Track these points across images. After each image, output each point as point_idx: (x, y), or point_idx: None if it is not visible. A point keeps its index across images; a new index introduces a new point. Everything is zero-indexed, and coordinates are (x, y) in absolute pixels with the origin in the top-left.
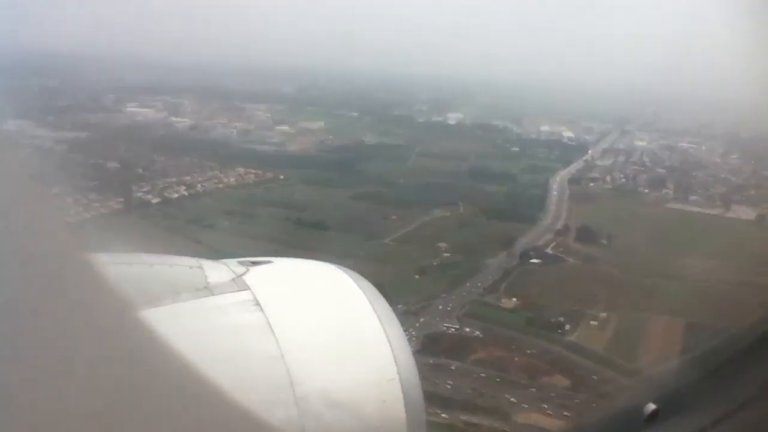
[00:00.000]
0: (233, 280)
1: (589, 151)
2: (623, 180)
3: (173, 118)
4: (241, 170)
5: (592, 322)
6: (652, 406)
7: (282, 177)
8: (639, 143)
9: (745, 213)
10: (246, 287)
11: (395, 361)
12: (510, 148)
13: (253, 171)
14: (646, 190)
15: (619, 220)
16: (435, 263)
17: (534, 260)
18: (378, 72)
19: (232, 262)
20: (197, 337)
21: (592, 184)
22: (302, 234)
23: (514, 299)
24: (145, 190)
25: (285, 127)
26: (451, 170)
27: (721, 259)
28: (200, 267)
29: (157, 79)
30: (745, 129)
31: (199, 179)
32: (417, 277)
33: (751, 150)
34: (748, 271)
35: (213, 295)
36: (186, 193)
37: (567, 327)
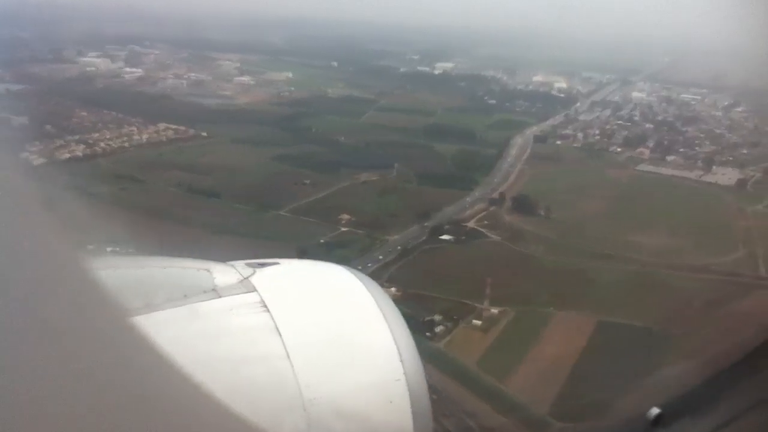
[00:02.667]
0: (240, 282)
1: (577, 104)
2: (597, 137)
3: (127, 69)
4: (162, 126)
5: (475, 322)
6: (656, 411)
7: (204, 134)
8: (637, 95)
9: (726, 176)
10: (253, 289)
11: (402, 362)
12: (487, 101)
13: (174, 127)
14: (619, 149)
15: (573, 185)
16: (323, 240)
17: (445, 237)
18: (379, 22)
19: (240, 264)
20: (205, 339)
21: (559, 143)
22: (185, 203)
23: (393, 289)
24: (34, 149)
25: (246, 78)
26: (408, 126)
27: (679, 237)
28: (208, 269)
29: (138, 29)
30: (760, 79)
31: (107, 137)
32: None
33: (760, 102)
34: (708, 253)
35: (220, 297)
36: (81, 154)
37: (439, 329)
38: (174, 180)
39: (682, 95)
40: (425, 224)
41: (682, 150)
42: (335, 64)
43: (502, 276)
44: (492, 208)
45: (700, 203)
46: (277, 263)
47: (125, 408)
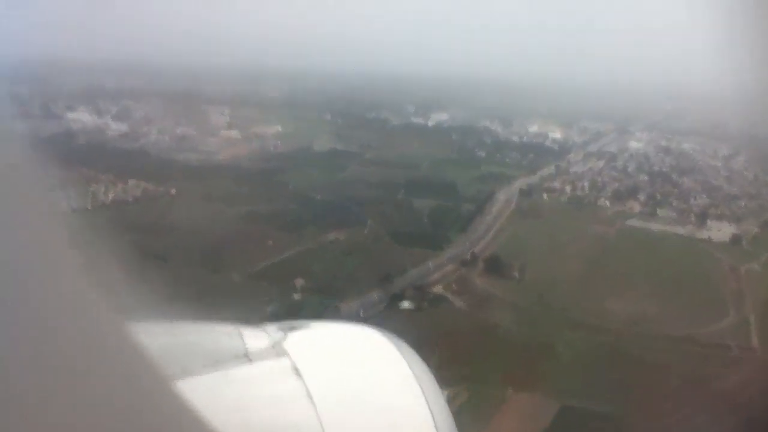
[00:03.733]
0: (272, 346)
1: (570, 155)
2: (586, 190)
3: (113, 125)
4: (132, 183)
5: None
6: None
7: (173, 192)
8: (634, 144)
9: (721, 232)
10: (285, 353)
11: (436, 430)
12: (477, 153)
13: (144, 185)
14: (608, 203)
15: (554, 243)
16: (270, 309)
17: (405, 304)
18: (381, 73)
19: (271, 328)
20: (237, 407)
21: (545, 196)
22: (129, 267)
23: None
24: None
25: (233, 132)
26: (390, 181)
27: (663, 301)
28: (239, 333)
29: (138, 82)
30: (762, 127)
31: (71, 195)
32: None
33: (761, 151)
34: (694, 320)
35: (251, 362)
36: None
37: None
38: (124, 241)
39: (682, 144)
40: (386, 289)
41: (675, 203)
42: (328, 116)
43: (460, 350)
44: (462, 270)
45: (689, 262)
46: (308, 325)
47: None
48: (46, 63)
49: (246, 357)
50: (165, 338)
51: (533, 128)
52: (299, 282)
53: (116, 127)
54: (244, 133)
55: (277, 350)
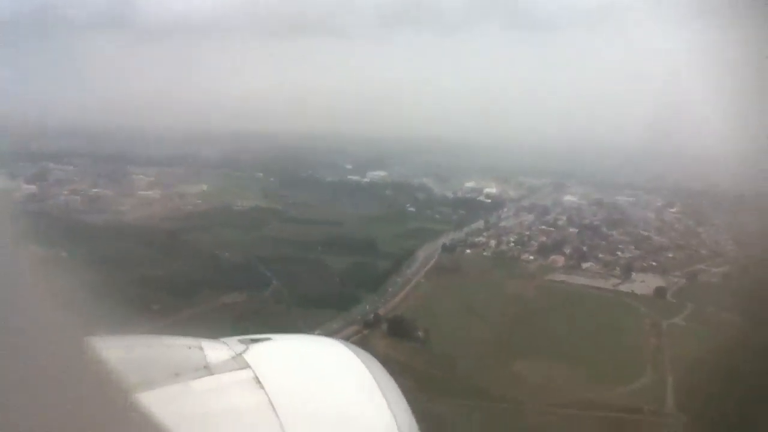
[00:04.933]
0: (233, 358)
1: (503, 209)
2: (512, 244)
3: (24, 186)
4: None
5: None
6: None
7: (64, 255)
8: (569, 198)
9: (645, 284)
10: (246, 365)
11: None
12: (407, 209)
13: (33, 247)
14: (531, 257)
15: (468, 302)
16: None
17: None
18: (325, 132)
19: (232, 341)
20: (197, 418)
21: (468, 251)
22: None
23: None
24: None
25: (151, 192)
26: (308, 239)
27: (575, 363)
28: (199, 347)
29: (68, 144)
30: (699, 180)
31: None
32: None
33: (696, 204)
34: (606, 382)
35: (212, 374)
36: None
37: None
38: None
39: (616, 197)
40: None
41: (601, 256)
42: (260, 174)
43: None
44: (365, 332)
45: (608, 318)
46: (270, 338)
47: None
48: None
49: (206, 369)
50: (126, 351)
51: (469, 184)
52: None
53: (26, 188)
54: (165, 193)
55: (239, 362)
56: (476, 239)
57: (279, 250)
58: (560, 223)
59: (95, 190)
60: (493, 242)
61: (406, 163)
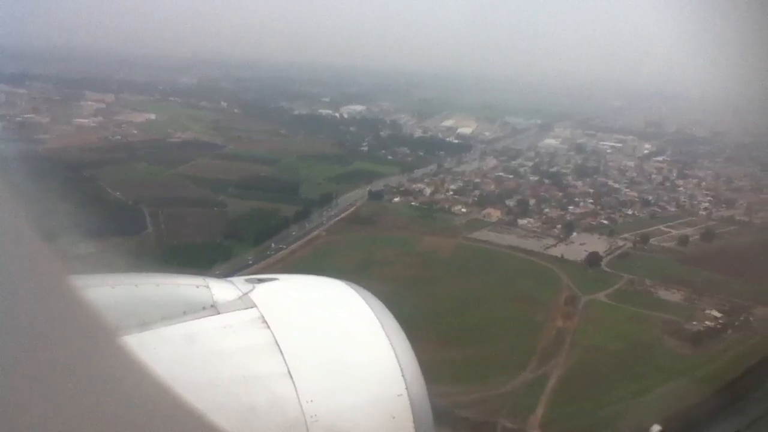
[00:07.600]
0: (240, 298)
1: (469, 152)
2: (450, 194)
3: None
4: None
5: None
6: (657, 428)
7: None
8: (549, 142)
9: (583, 247)
10: (252, 305)
11: (403, 377)
12: (359, 148)
13: None
14: (464, 210)
15: (369, 260)
16: None
17: None
18: (304, 62)
19: (239, 280)
20: (204, 357)
21: (397, 200)
22: None
23: None
24: None
25: (88, 120)
26: (230, 178)
27: (458, 350)
28: (207, 285)
29: (43, 66)
30: (702, 126)
31: None
32: None
33: (690, 152)
34: (484, 376)
35: (219, 313)
36: None
37: None
38: None
39: (602, 143)
40: None
41: (547, 210)
42: (224, 104)
43: None
44: None
45: (514, 291)
46: (276, 278)
47: (124, 426)
48: None
49: (214, 308)
50: (134, 289)
51: (447, 122)
52: None
53: None
54: (102, 121)
55: (245, 301)
56: (414, 186)
57: (185, 190)
58: (522, 170)
59: (28, 115)
60: (429, 190)
61: (397, 98)
